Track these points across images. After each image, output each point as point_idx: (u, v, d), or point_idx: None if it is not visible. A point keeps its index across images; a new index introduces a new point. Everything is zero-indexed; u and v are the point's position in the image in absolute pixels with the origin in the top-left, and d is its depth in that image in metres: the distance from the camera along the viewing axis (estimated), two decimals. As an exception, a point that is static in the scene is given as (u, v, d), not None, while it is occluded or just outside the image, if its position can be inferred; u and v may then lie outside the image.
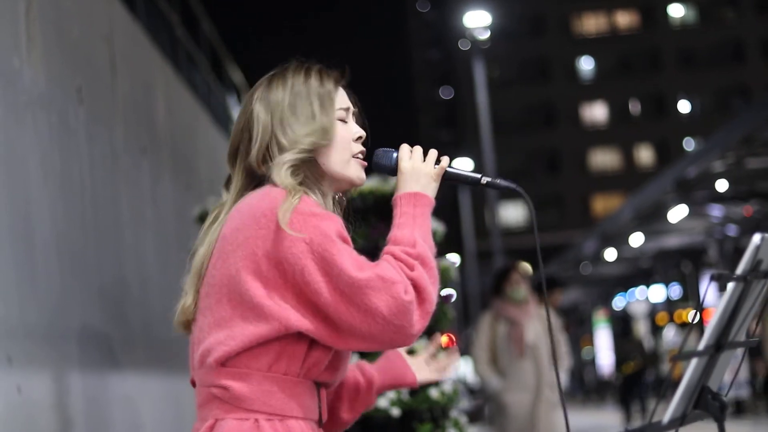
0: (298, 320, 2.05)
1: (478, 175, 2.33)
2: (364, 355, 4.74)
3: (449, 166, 2.30)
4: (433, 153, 2.29)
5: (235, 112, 13.20)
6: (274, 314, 2.05)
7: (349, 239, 2.11)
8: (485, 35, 26.47)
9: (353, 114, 2.31)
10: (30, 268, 3.72)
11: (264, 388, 2.09)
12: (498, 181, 2.32)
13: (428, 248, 2.14)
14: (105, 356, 4.56)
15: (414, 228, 2.16)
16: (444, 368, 2.63)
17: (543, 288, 2.45)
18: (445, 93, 68.90)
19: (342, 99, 2.28)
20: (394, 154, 2.29)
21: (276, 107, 2.21)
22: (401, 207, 2.21)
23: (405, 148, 2.29)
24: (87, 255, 4.48)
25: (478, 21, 25.64)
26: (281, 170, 2.14)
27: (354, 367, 2.47)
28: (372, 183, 4.87)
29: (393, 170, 2.28)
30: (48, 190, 4.01)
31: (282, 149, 2.18)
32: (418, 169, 2.25)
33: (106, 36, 5.16)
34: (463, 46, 51.31)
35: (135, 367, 5.00)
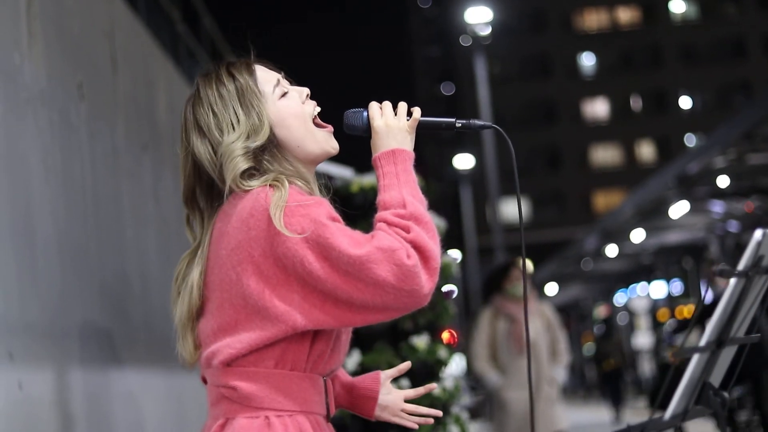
0: (304, 320, 2.04)
1: (452, 119, 2.29)
2: (364, 349, 4.75)
3: (421, 115, 2.25)
4: (403, 106, 2.24)
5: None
6: (281, 316, 2.04)
7: (340, 218, 2.08)
8: (486, 31, 26.43)
9: (285, 79, 2.25)
10: (31, 265, 3.72)
11: (271, 386, 2.09)
12: (473, 121, 2.29)
13: (419, 203, 2.11)
14: (106, 353, 4.56)
15: (400, 186, 2.12)
16: (415, 413, 2.46)
17: (523, 258, 2.43)
18: (446, 89, 68.84)
19: (267, 77, 2.22)
20: (365, 114, 2.23)
21: (207, 130, 2.17)
22: (382, 168, 2.16)
23: (374, 105, 2.23)
24: (88, 251, 4.48)
25: (479, 17, 25.62)
26: (238, 184, 2.11)
27: None
28: (373, 179, 4.87)
29: (365, 130, 2.22)
30: (49, 186, 4.00)
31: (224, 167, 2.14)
32: (391, 126, 2.20)
33: (107, 32, 5.16)
34: (464, 42, 51.26)
35: (136, 363, 5.00)
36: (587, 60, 58.10)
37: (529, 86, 56.96)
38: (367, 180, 4.88)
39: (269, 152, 2.16)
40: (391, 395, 2.46)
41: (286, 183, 2.09)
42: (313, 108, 2.23)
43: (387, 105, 2.24)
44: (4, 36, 3.69)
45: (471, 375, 8.24)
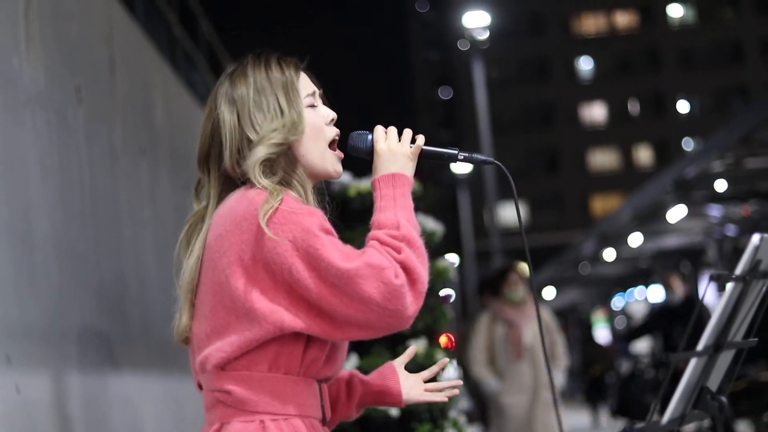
0: (292, 320, 2.05)
1: (455, 150, 2.30)
2: (361, 353, 4.75)
3: (425, 144, 2.27)
4: (408, 132, 2.26)
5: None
6: (267, 317, 2.05)
7: (333, 230, 2.09)
8: (484, 35, 26.43)
9: (320, 96, 2.29)
10: (29, 268, 3.72)
11: (266, 389, 2.09)
12: (475, 155, 2.30)
13: (413, 228, 2.12)
14: (104, 356, 4.56)
15: (396, 209, 2.14)
16: (439, 391, 2.49)
17: (527, 259, 2.44)
18: (445, 93, 68.88)
19: (306, 84, 2.25)
20: (369, 137, 2.25)
21: (241, 105, 2.18)
22: (380, 190, 2.18)
23: (379, 129, 2.26)
24: (86, 254, 4.47)
25: (477, 21, 25.63)
26: (255, 171, 2.12)
27: (340, 380, 2.42)
28: (370, 184, 4.86)
29: (369, 153, 2.25)
30: (47, 189, 4.00)
31: (252, 147, 2.15)
32: (394, 150, 2.22)
33: (105, 35, 5.16)
34: (462, 46, 51.27)
35: (134, 366, 4.99)
36: (585, 64, 58.13)
37: (527, 90, 56.99)
38: (365, 184, 4.88)
39: (284, 154, 2.17)
40: (409, 380, 2.46)
41: (282, 192, 2.09)
42: (334, 133, 2.25)
43: (392, 130, 2.26)
44: (2, 38, 3.69)
45: (466, 380, 8.21)
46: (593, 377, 20.39)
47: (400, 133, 2.26)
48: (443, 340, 5.32)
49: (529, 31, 57.63)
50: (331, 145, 2.25)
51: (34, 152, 3.89)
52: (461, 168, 36.62)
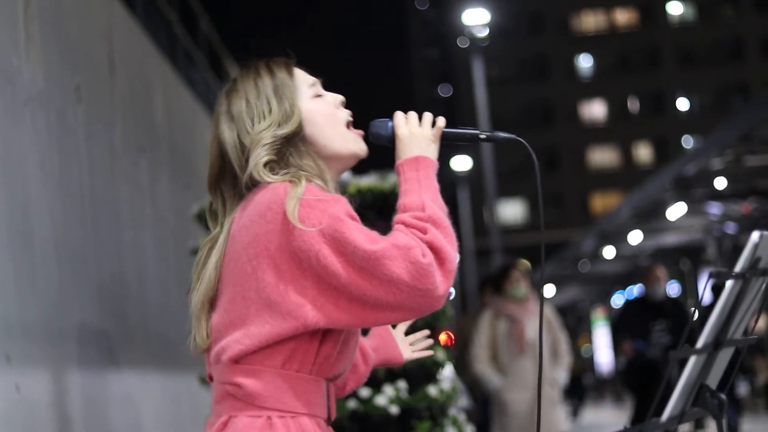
0: (315, 316, 2.04)
1: (477, 131, 2.30)
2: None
3: (445, 126, 2.28)
4: (428, 116, 2.26)
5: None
6: (292, 312, 2.04)
7: (358, 217, 2.09)
8: (484, 33, 26.43)
9: (321, 84, 2.29)
10: (29, 267, 3.72)
11: (277, 386, 2.09)
12: (498, 133, 2.30)
13: (439, 209, 2.11)
14: (104, 354, 4.56)
15: (421, 191, 2.13)
16: (418, 348, 2.67)
17: (542, 253, 2.44)
18: (444, 91, 68.86)
19: (304, 78, 2.25)
20: (390, 123, 2.25)
21: (240, 120, 2.19)
22: (405, 174, 2.18)
23: (399, 114, 2.26)
24: (86, 253, 4.48)
25: (476, 19, 25.62)
26: (260, 173, 2.12)
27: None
28: (370, 180, 4.86)
29: (390, 139, 2.25)
30: (47, 188, 4.00)
31: (248, 153, 2.15)
32: (416, 134, 2.22)
33: (104, 34, 5.16)
34: (462, 43, 51.27)
35: (134, 365, 4.99)
36: (585, 62, 58.13)
37: (527, 88, 56.99)
38: (365, 181, 4.88)
39: (294, 147, 2.18)
40: (402, 341, 2.64)
41: (304, 180, 2.10)
42: (347, 114, 2.25)
43: (412, 114, 2.26)
44: (1, 38, 3.69)
45: (463, 378, 8.20)
46: (574, 375, 20.85)
47: (419, 118, 2.26)
48: (443, 337, 5.32)
49: (529, 28, 57.63)
50: (348, 126, 2.26)
51: (33, 152, 3.89)
52: (461, 166, 36.66)
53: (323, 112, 2.22)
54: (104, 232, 4.81)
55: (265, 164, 2.13)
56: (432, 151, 2.22)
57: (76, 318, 4.24)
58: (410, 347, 2.65)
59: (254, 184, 2.17)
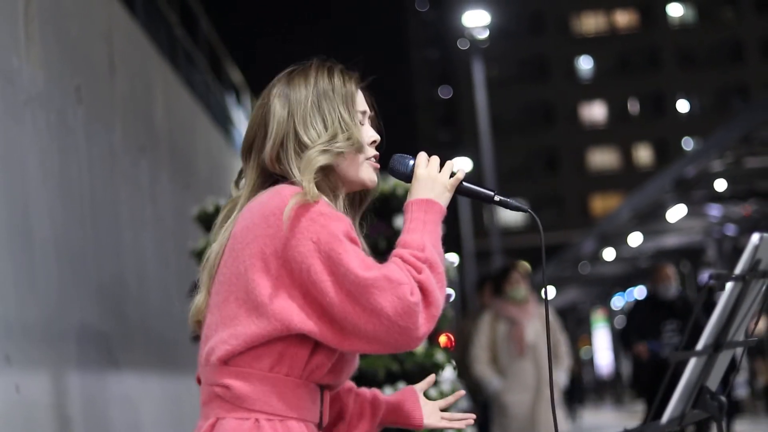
0: (301, 321, 2.05)
1: (491, 192, 2.33)
2: (362, 355, 4.75)
3: (464, 179, 2.29)
4: (449, 164, 2.29)
5: (234, 111, 13.21)
6: (277, 314, 2.05)
7: (358, 240, 2.10)
8: (484, 34, 26.42)
9: (369, 118, 2.31)
10: (28, 267, 3.72)
11: (265, 389, 2.09)
12: (510, 200, 2.32)
13: (437, 254, 2.14)
14: (103, 355, 4.56)
15: (424, 233, 2.15)
16: (454, 419, 2.49)
17: (545, 293, 2.45)
18: (444, 92, 68.88)
19: (360, 102, 2.28)
20: (411, 162, 2.29)
21: (297, 104, 2.20)
22: (413, 213, 2.20)
23: (422, 156, 2.29)
24: (85, 254, 4.47)
25: (476, 20, 25.62)
26: (309, 175, 2.12)
27: (364, 398, 2.43)
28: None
29: (408, 177, 2.28)
30: (46, 188, 4.00)
31: (303, 147, 2.16)
32: (433, 178, 2.25)
33: (104, 35, 5.16)
34: (462, 45, 51.27)
35: (133, 365, 4.99)
36: (585, 63, 58.13)
37: (527, 89, 56.97)
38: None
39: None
40: (428, 405, 2.49)
41: (320, 196, 2.11)
42: (373, 154, 2.28)
43: (435, 159, 2.29)
44: (2, 38, 3.69)
45: (466, 379, 8.18)
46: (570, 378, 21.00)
47: (441, 164, 2.28)
48: (443, 339, 5.32)
49: (529, 30, 57.62)
50: (370, 161, 2.28)
51: (33, 152, 3.89)
52: (461, 167, 36.63)
53: None
54: (104, 232, 4.81)
55: (318, 169, 2.15)
56: (444, 199, 2.25)
57: (76, 318, 4.24)
58: (437, 414, 2.48)
59: (275, 167, 2.18)
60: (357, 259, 2.03)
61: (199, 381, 2.22)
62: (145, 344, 5.26)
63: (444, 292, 2.11)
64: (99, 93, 4.97)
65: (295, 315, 2.05)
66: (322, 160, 2.15)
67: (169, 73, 7.16)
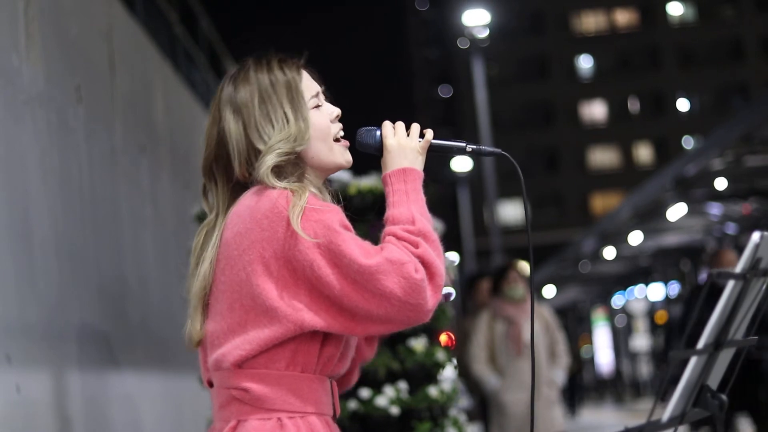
0: (312, 319, 2.07)
1: (463, 143, 2.33)
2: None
3: (433, 138, 2.29)
4: (416, 127, 2.29)
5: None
6: (288, 316, 2.07)
7: (351, 226, 2.11)
8: (484, 33, 26.42)
9: (323, 93, 2.30)
10: (29, 267, 3.72)
11: (283, 387, 2.11)
12: (483, 147, 2.33)
13: (427, 221, 2.15)
14: (104, 355, 4.56)
15: (409, 203, 2.17)
16: None
17: (531, 267, 2.45)
18: (444, 91, 68.85)
19: (309, 85, 2.26)
20: (377, 132, 2.28)
21: (246, 113, 2.19)
22: (393, 185, 2.21)
23: (387, 125, 2.28)
24: (86, 253, 4.48)
25: (476, 19, 25.62)
26: (269, 178, 2.13)
27: None
28: (370, 182, 4.86)
29: (378, 148, 2.27)
30: (47, 188, 4.00)
31: (261, 157, 2.16)
32: (403, 145, 2.24)
33: (104, 34, 5.16)
34: (462, 44, 51.25)
35: (134, 365, 4.99)
36: (585, 62, 58.12)
37: (527, 88, 56.97)
38: (365, 182, 4.88)
39: (291, 159, 2.19)
40: None
41: (307, 190, 2.11)
42: (338, 129, 2.26)
43: (400, 125, 2.28)
44: (1, 38, 3.69)
45: (466, 378, 8.18)
46: (569, 377, 21.12)
47: (407, 128, 2.27)
48: (443, 338, 5.32)
49: (529, 29, 57.61)
50: (337, 139, 2.27)
51: (34, 151, 3.89)
52: (461, 166, 36.66)
53: (318, 126, 2.23)
54: (104, 231, 4.81)
55: (271, 169, 2.15)
56: (419, 163, 2.25)
57: (76, 318, 4.24)
58: None
59: (247, 180, 2.18)
60: (357, 248, 2.05)
61: (209, 384, 2.23)
62: (146, 344, 5.27)
63: (442, 258, 2.13)
64: (99, 92, 4.97)
65: (305, 313, 2.07)
66: (270, 161, 2.14)
67: (169, 72, 7.16)
